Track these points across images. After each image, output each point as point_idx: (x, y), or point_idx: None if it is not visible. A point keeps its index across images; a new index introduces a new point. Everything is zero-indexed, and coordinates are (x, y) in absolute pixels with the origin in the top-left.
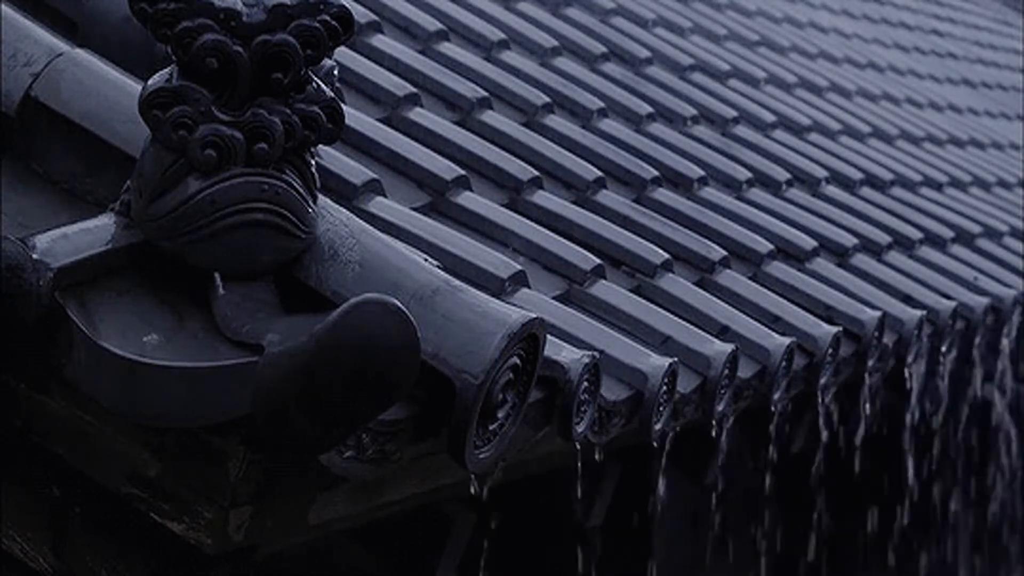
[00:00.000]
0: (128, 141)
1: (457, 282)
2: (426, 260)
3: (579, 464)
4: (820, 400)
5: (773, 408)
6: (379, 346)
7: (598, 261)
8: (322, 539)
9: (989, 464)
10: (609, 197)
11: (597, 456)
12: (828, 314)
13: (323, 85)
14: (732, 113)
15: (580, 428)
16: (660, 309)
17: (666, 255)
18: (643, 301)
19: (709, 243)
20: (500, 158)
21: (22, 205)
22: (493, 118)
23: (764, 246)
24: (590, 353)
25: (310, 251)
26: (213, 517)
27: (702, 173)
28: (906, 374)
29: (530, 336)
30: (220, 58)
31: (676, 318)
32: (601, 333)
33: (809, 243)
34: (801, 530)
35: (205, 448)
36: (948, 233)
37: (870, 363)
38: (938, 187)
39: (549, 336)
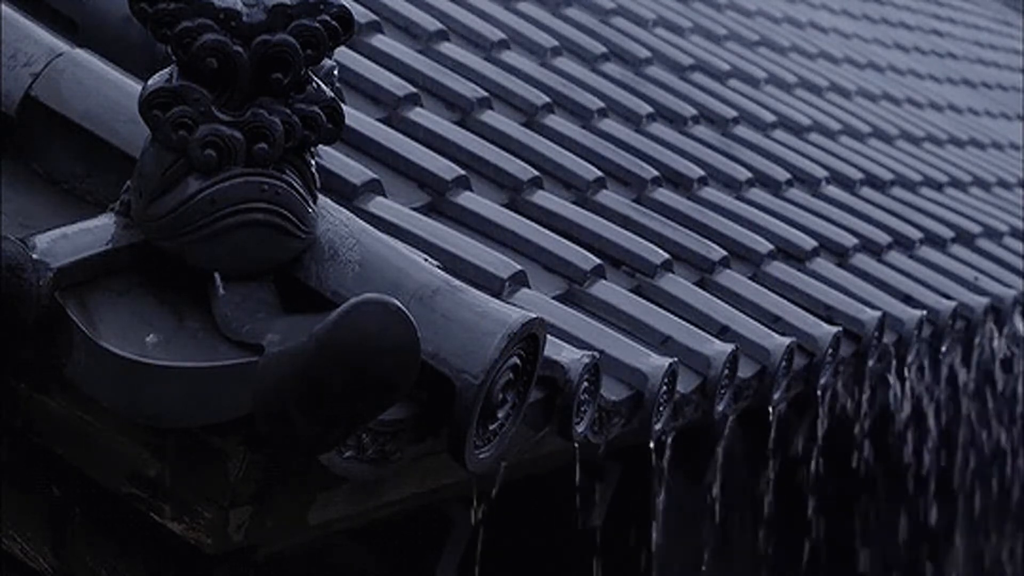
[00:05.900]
0: (128, 141)
1: (457, 282)
2: (426, 260)
3: (578, 464)
4: (820, 400)
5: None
6: (379, 346)
7: (598, 261)
8: (322, 539)
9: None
10: (609, 197)
11: (597, 456)
12: (828, 314)
13: (323, 85)
14: (732, 113)
15: (580, 428)
16: (660, 309)
17: (666, 255)
18: (643, 301)
19: (709, 243)
20: (500, 158)
21: (22, 205)
22: (493, 118)
23: (764, 246)
24: (590, 353)
25: (310, 251)
26: (213, 517)
27: (702, 173)
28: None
29: (530, 336)
30: (220, 58)
31: (676, 318)
32: (601, 333)
33: (809, 243)
34: (800, 529)
35: (205, 448)
36: (948, 233)
37: (870, 363)
38: (938, 187)
39: (549, 336)
